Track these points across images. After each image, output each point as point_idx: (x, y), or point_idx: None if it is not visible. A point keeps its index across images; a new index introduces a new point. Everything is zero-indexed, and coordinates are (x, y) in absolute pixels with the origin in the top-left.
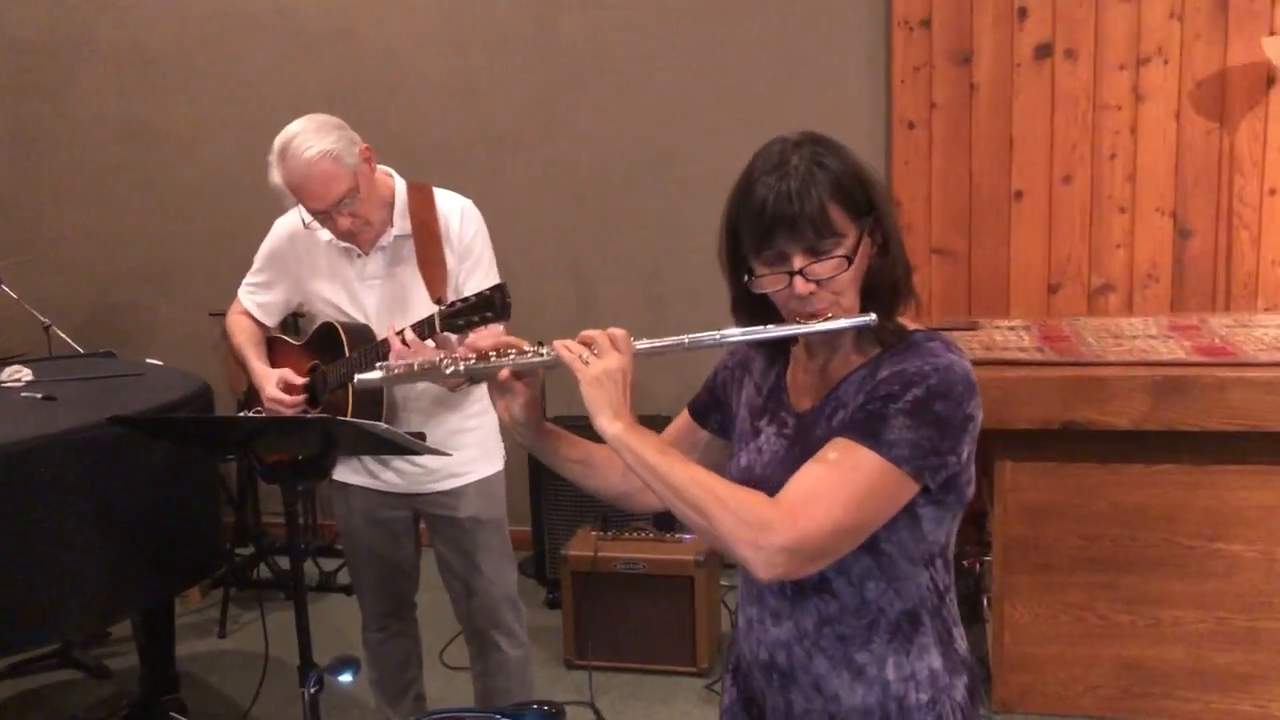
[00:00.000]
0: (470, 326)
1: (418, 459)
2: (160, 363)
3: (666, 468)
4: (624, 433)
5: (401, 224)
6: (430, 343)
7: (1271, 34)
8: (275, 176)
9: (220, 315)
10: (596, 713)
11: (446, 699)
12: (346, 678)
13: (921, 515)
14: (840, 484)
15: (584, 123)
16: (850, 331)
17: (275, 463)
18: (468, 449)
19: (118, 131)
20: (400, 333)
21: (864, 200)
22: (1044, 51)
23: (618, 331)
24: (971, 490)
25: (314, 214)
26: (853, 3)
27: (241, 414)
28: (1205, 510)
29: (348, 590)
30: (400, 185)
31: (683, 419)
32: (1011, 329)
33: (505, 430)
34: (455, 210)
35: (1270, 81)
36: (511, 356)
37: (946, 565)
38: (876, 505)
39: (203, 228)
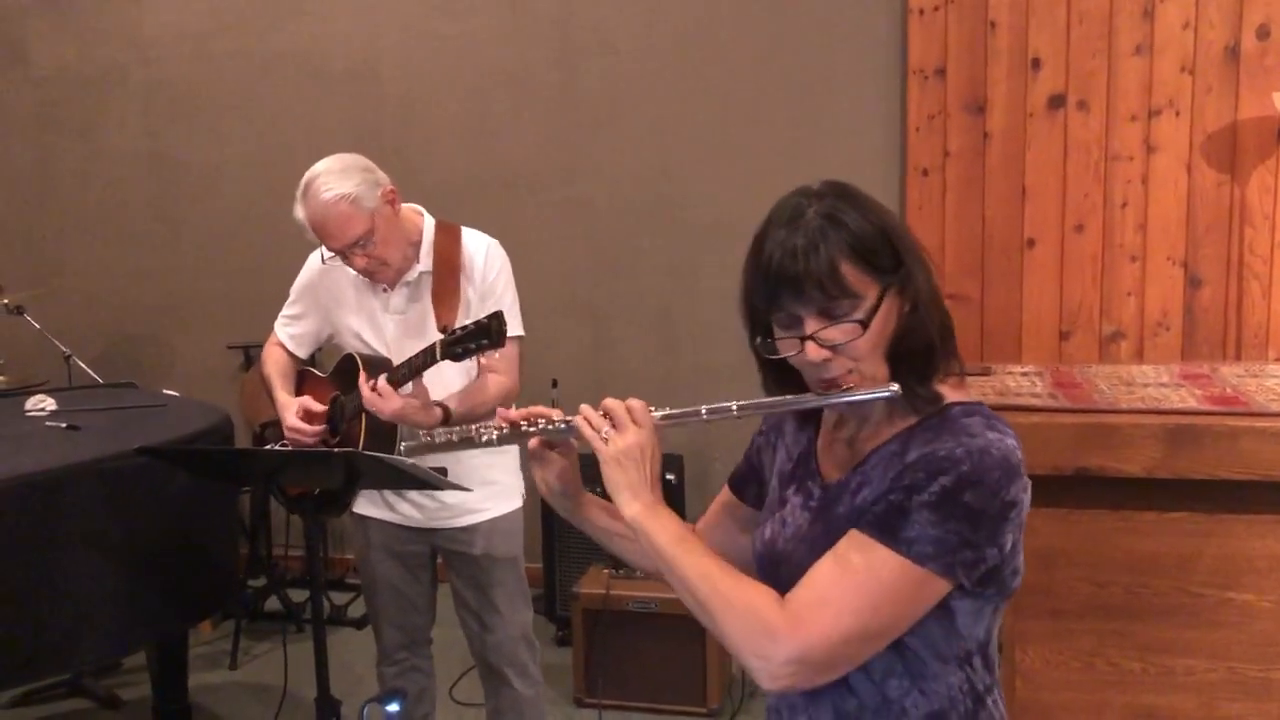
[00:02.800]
0: (469, 354)
1: (437, 494)
2: (177, 394)
3: (677, 558)
4: (641, 515)
5: (427, 261)
6: (408, 388)
7: None
8: (298, 214)
9: (238, 348)
10: None
11: None
12: (394, 707)
13: (956, 610)
14: (854, 588)
15: (600, 165)
16: (879, 400)
17: (297, 495)
18: (486, 486)
19: (141, 166)
20: (372, 382)
21: (888, 257)
22: (1057, 102)
23: (636, 404)
24: (1018, 581)
25: (331, 252)
26: (868, 52)
27: (266, 447)
28: (1217, 559)
29: (358, 624)
30: (429, 224)
31: (724, 494)
32: (1024, 375)
33: (546, 499)
34: (481, 249)
35: None
36: (541, 426)
37: (987, 663)
38: (897, 609)
39: (223, 262)
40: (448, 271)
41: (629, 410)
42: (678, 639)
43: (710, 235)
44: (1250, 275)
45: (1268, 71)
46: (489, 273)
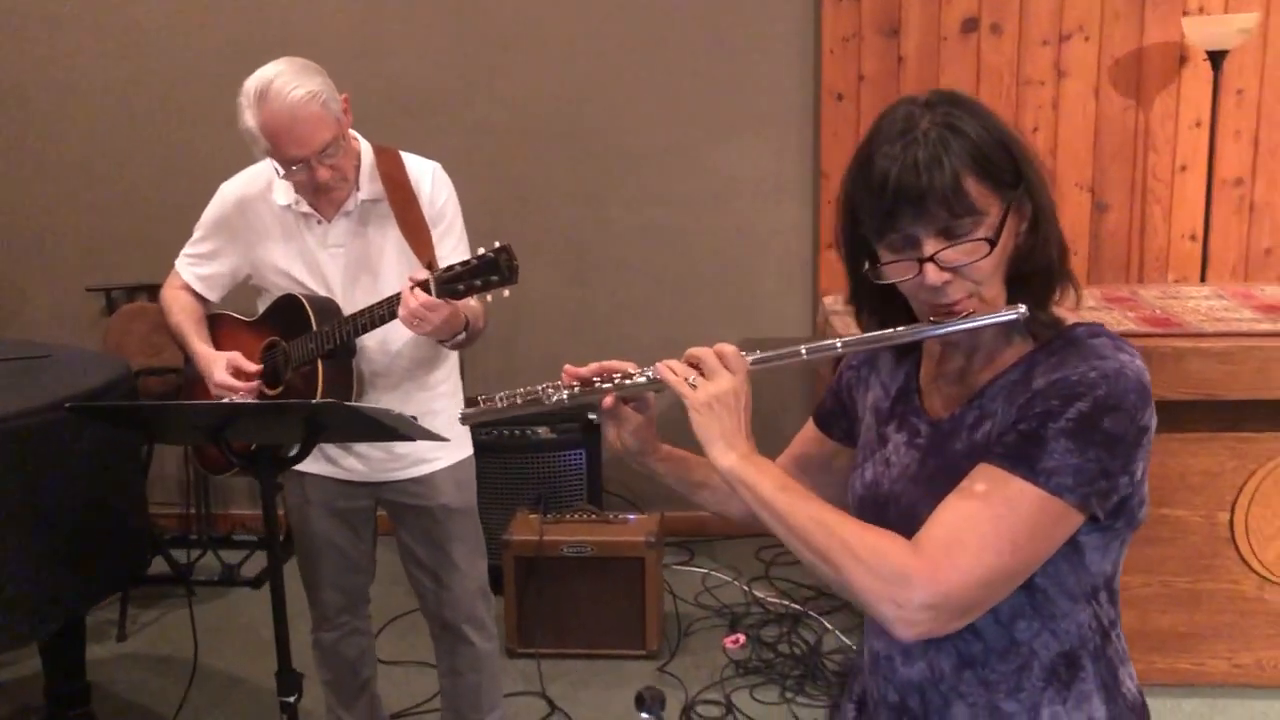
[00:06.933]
0: (471, 291)
1: (385, 444)
2: (43, 343)
3: (786, 507)
4: (738, 465)
5: (370, 188)
6: (446, 301)
7: (1185, 14)
8: (249, 120)
9: (98, 290)
10: (549, 702)
11: (387, 695)
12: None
13: (1084, 545)
14: (991, 525)
15: (503, 88)
16: (995, 327)
17: (235, 452)
18: (438, 432)
19: None
20: (414, 288)
21: (1010, 169)
22: (970, 25)
23: (727, 348)
24: (1145, 511)
25: (291, 163)
26: None
27: (224, 400)
28: (1154, 477)
29: (254, 584)
30: (366, 147)
31: (809, 430)
32: None
33: (620, 458)
34: (426, 174)
35: (1182, 61)
36: (616, 380)
37: (1112, 598)
38: (1035, 545)
39: (81, 195)
40: (406, 200)
41: (720, 355)
42: (615, 582)
43: (621, 162)
44: (1153, 199)
45: None
46: (437, 198)
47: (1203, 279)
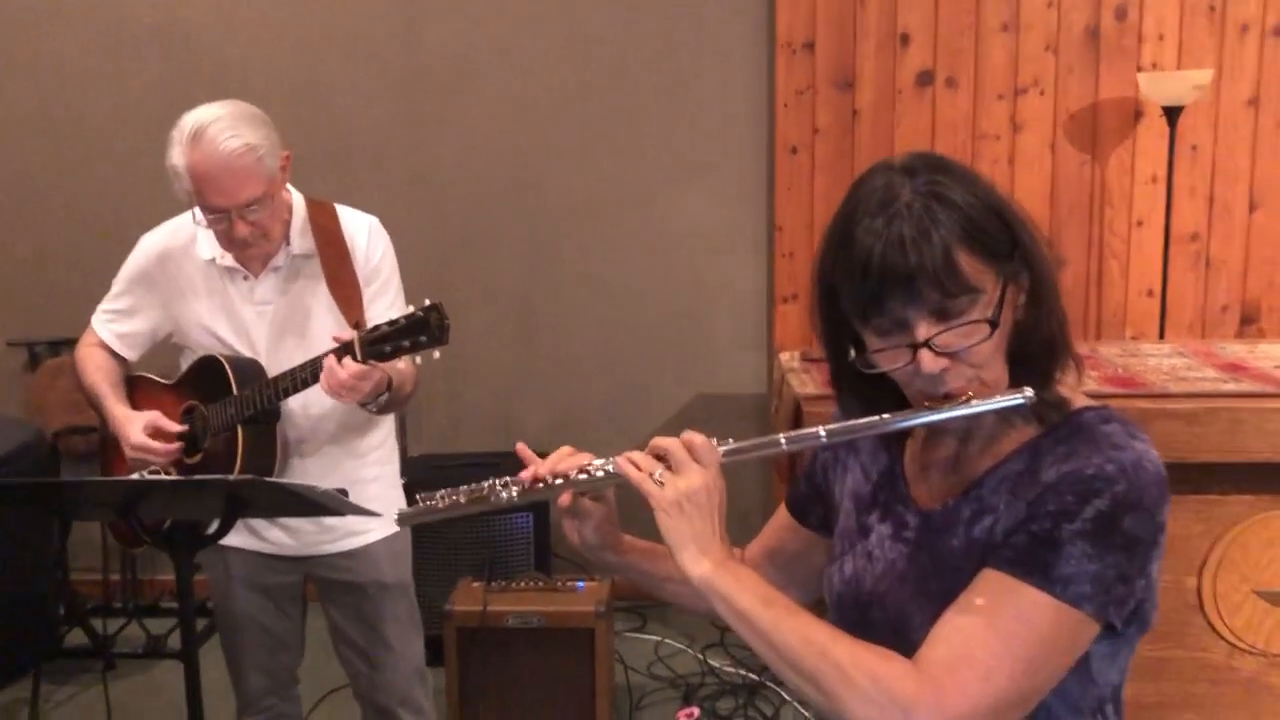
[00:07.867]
0: (399, 353)
1: (316, 517)
2: None
3: (770, 624)
4: (713, 575)
5: (301, 242)
6: (372, 365)
7: (1139, 69)
8: (176, 158)
9: (19, 345)
10: None
11: None
12: None
13: (1091, 654)
14: (1002, 643)
15: (448, 139)
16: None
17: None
18: (369, 503)
19: None
20: (340, 351)
21: (1004, 238)
22: (925, 79)
23: (696, 438)
24: (1156, 615)
25: (211, 212)
26: (735, 23)
27: (135, 475)
28: None
29: (179, 656)
30: (298, 200)
31: (781, 517)
32: None
33: (580, 555)
34: (362, 228)
35: (1138, 116)
36: (571, 477)
37: (1118, 709)
38: (1053, 663)
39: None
40: (339, 256)
41: (689, 446)
42: (564, 653)
43: (570, 214)
44: (1110, 255)
45: (1125, 53)
46: (373, 255)
47: (1161, 336)
